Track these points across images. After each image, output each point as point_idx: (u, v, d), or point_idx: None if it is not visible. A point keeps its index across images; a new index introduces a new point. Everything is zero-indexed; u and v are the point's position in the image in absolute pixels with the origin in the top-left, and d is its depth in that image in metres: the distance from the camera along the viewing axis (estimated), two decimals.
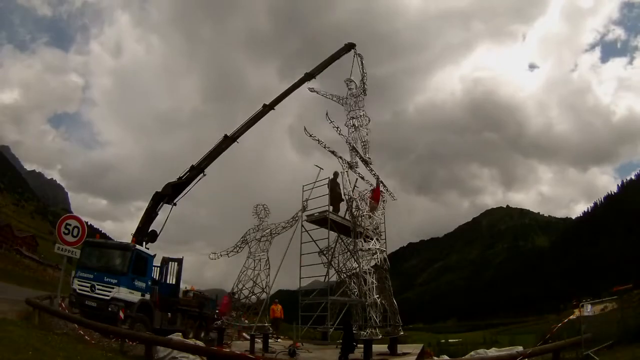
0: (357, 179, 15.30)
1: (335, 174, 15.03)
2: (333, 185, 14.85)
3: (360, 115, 16.38)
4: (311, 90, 18.33)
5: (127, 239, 14.31)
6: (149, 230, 15.55)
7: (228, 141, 17.34)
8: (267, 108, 18.07)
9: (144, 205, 16.67)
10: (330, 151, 15.20)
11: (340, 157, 15.12)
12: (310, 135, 15.21)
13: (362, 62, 17.80)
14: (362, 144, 15.99)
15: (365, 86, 17.06)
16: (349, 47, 18.85)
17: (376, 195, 14.19)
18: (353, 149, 15.30)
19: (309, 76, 18.68)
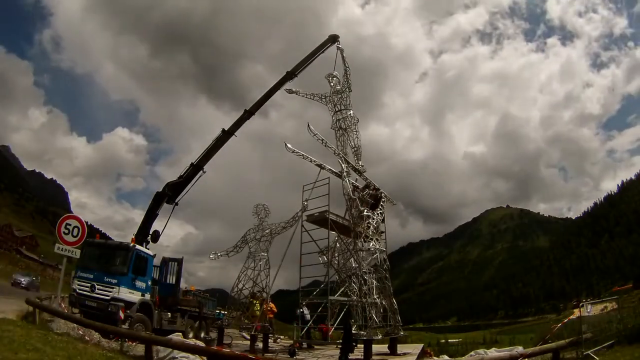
0: (357, 179, 15.21)
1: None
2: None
3: (348, 116, 15.07)
4: (289, 91, 17.21)
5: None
6: (152, 230, 15.53)
7: (225, 136, 17.09)
8: (247, 114, 17.31)
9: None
10: (317, 164, 14.33)
11: (330, 170, 14.32)
12: (293, 151, 14.24)
13: (343, 56, 16.49)
14: (353, 149, 14.92)
15: (350, 82, 15.78)
16: (333, 39, 17.57)
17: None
18: (344, 160, 14.17)
19: (290, 75, 17.46)
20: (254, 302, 15.58)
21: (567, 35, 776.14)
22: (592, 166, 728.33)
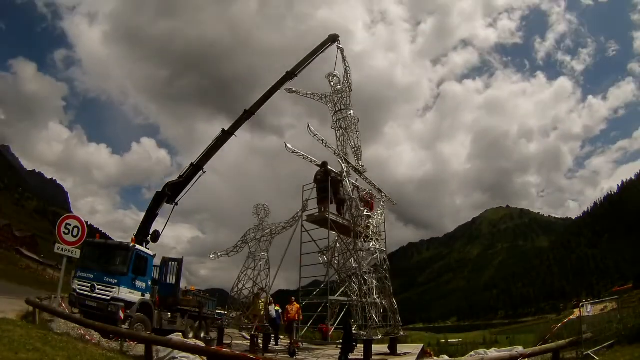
0: (357, 179, 15.22)
1: (324, 165, 13.92)
2: (322, 178, 13.83)
3: (348, 115, 15.02)
4: (289, 91, 17.09)
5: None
6: (152, 230, 15.52)
7: (225, 135, 17.10)
8: (247, 114, 17.16)
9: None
10: (317, 165, 14.33)
11: (331, 170, 14.23)
12: (293, 152, 14.26)
13: (343, 55, 16.45)
14: (353, 149, 14.89)
15: (350, 82, 15.73)
16: (333, 38, 17.44)
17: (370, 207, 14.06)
18: (344, 161, 14.17)
19: (290, 75, 17.28)
20: (260, 301, 15.51)
21: (554, 72, 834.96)
22: (575, 179, 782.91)
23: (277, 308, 15.24)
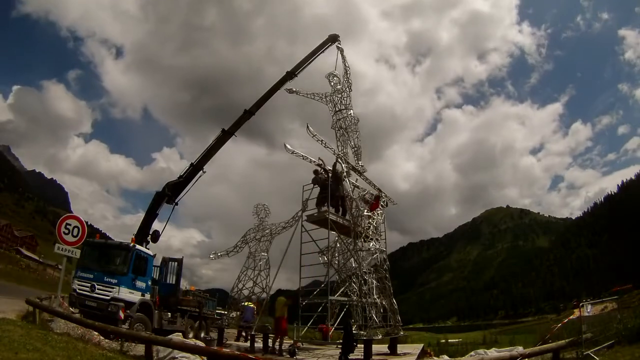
0: (357, 179, 15.21)
1: (318, 172, 13.78)
2: (323, 180, 13.63)
3: (348, 115, 15.02)
4: (289, 91, 17.10)
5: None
6: (152, 230, 15.53)
7: (225, 135, 17.06)
8: (247, 114, 17.31)
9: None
10: (316, 165, 14.15)
11: (328, 170, 14.00)
12: (293, 152, 14.34)
13: (343, 55, 16.50)
14: (353, 150, 14.87)
15: (350, 81, 15.78)
16: (333, 38, 17.52)
17: (374, 207, 13.98)
18: (344, 161, 14.13)
19: (290, 75, 17.49)
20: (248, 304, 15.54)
21: (542, 101, 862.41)
22: (563, 189, 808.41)
23: (251, 305, 15.37)
